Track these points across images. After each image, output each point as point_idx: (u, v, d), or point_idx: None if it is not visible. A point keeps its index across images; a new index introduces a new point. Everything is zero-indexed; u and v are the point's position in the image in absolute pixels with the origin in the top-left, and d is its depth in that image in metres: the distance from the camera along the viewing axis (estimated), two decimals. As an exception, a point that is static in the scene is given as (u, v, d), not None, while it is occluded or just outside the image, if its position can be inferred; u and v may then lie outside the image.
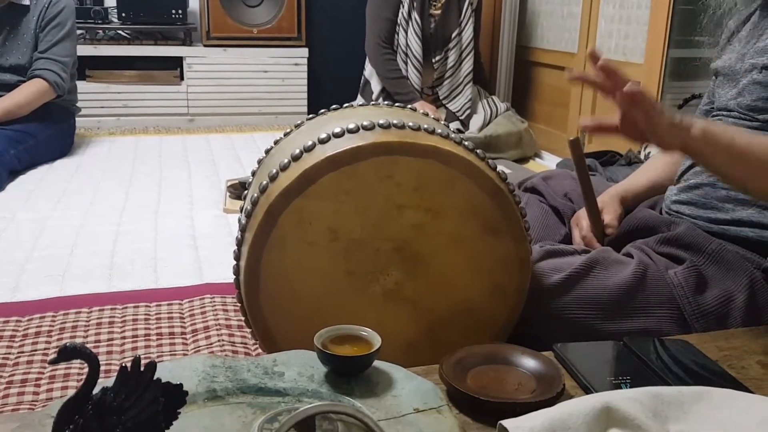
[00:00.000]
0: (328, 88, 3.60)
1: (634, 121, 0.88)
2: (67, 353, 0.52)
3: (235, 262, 0.96)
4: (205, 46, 3.40)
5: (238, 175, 2.39)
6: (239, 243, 0.93)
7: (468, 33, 2.86)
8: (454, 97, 2.90)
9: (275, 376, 0.72)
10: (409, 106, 1.09)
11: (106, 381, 0.57)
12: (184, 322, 1.33)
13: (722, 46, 1.18)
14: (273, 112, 3.53)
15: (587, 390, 0.75)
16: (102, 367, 0.55)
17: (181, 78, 3.39)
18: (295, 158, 0.88)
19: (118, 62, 3.31)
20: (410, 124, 0.89)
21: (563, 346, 0.84)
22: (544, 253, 1.03)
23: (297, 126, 1.05)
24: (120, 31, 3.36)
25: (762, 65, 1.03)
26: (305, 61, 3.50)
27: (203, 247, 1.75)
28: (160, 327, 1.31)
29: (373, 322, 0.81)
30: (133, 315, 1.35)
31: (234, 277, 0.97)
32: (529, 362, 0.78)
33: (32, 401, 1.07)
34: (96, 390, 0.54)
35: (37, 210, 2.02)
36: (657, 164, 1.28)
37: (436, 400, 0.69)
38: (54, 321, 1.32)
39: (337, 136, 0.88)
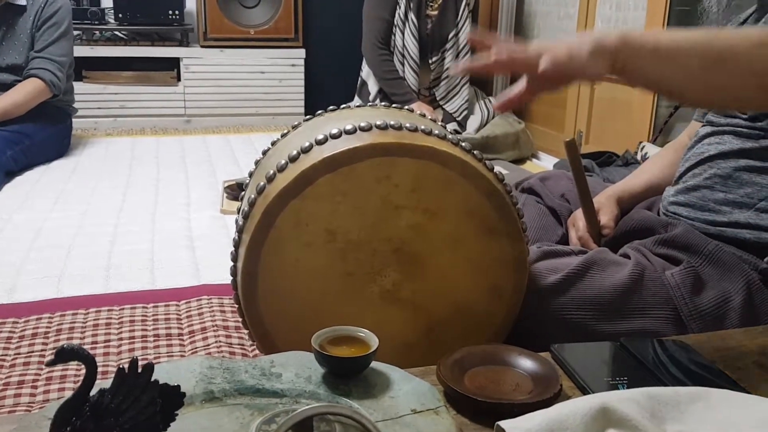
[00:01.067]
0: (325, 89, 3.61)
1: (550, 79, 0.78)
2: (64, 355, 0.52)
3: (232, 264, 0.96)
4: (202, 47, 3.40)
5: (235, 176, 2.39)
6: (236, 244, 0.92)
7: (465, 34, 2.86)
8: (451, 98, 2.90)
9: (273, 378, 0.72)
10: (407, 107, 1.09)
11: (103, 382, 0.57)
12: (181, 324, 1.33)
13: None
14: (270, 113, 3.53)
15: (584, 391, 0.75)
16: (99, 369, 0.55)
17: (178, 79, 3.39)
18: (293, 159, 0.88)
19: (115, 63, 3.31)
20: (407, 125, 0.89)
21: (560, 346, 0.84)
22: (541, 253, 1.03)
23: (294, 127, 1.05)
24: (117, 32, 3.35)
25: None
26: (302, 62, 3.50)
27: (200, 248, 1.75)
28: (158, 328, 1.31)
29: (371, 323, 0.81)
30: (130, 316, 1.35)
31: (231, 278, 0.97)
32: (526, 363, 0.78)
33: (29, 403, 1.06)
34: (93, 392, 0.54)
35: (34, 211, 2.01)
36: (654, 165, 1.28)
37: (433, 401, 0.69)
38: (51, 322, 1.32)
39: (335, 137, 0.88)
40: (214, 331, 1.28)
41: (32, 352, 1.21)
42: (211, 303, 1.40)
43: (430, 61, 2.86)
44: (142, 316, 1.36)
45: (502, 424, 0.61)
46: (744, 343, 0.89)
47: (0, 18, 2.52)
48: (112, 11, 3.30)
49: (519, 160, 2.90)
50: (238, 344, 1.24)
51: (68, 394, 0.63)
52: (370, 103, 1.08)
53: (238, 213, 0.97)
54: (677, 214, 1.11)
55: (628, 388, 0.72)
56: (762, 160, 1.04)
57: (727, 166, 1.07)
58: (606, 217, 1.17)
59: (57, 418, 0.53)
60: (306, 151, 0.87)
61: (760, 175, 1.04)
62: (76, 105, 2.83)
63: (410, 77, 2.83)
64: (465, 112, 2.88)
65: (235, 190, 2.12)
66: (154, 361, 0.58)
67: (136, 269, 1.61)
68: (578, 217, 1.18)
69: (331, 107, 1.06)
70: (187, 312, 1.38)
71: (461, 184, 0.88)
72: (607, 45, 0.75)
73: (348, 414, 0.59)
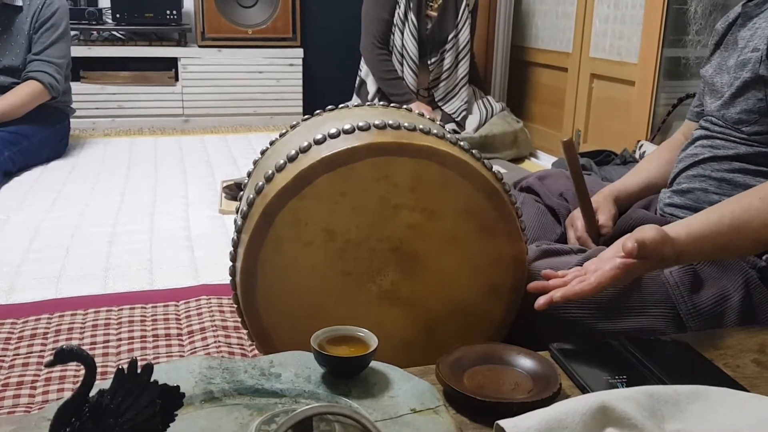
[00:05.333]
0: (324, 89, 3.60)
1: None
2: (63, 356, 0.52)
3: (231, 263, 0.96)
4: (200, 46, 3.40)
5: (234, 175, 2.39)
6: (235, 244, 0.92)
7: (465, 35, 2.86)
8: (450, 99, 2.90)
9: (272, 378, 0.72)
10: (405, 106, 1.09)
11: (102, 383, 0.57)
12: (180, 324, 1.33)
13: (711, 50, 1.19)
14: (268, 113, 3.53)
15: (583, 389, 0.76)
16: (98, 369, 0.55)
17: (176, 79, 3.38)
18: (291, 159, 0.88)
19: (113, 63, 3.31)
20: (406, 124, 0.89)
21: (559, 345, 0.84)
22: (540, 252, 1.03)
23: (292, 127, 1.05)
24: (114, 32, 3.35)
25: (743, 79, 1.04)
26: (300, 61, 3.50)
27: (199, 248, 1.75)
28: (156, 328, 1.31)
29: (370, 322, 0.81)
30: (129, 317, 1.35)
31: (230, 278, 0.97)
32: (525, 362, 0.79)
33: (28, 404, 1.06)
34: (92, 392, 0.54)
35: (32, 211, 2.01)
36: (650, 164, 1.28)
37: (432, 400, 0.69)
38: (50, 323, 1.32)
39: (333, 136, 0.88)
40: (213, 331, 1.28)
41: (31, 352, 1.21)
42: (210, 303, 1.40)
43: (429, 62, 2.86)
44: (141, 316, 1.35)
45: (502, 423, 0.61)
46: (742, 341, 0.89)
47: (-3, 18, 2.52)
48: (110, 11, 3.30)
49: (517, 159, 2.90)
50: (237, 344, 1.24)
51: (67, 394, 0.63)
52: (369, 103, 1.08)
53: (237, 213, 0.96)
54: (674, 216, 1.11)
55: (627, 386, 0.72)
56: (755, 163, 1.04)
57: (720, 168, 1.07)
58: (604, 216, 1.17)
59: (56, 419, 0.53)
60: (304, 150, 0.87)
61: (755, 178, 1.04)
62: (73, 105, 2.83)
63: (409, 77, 2.83)
64: (464, 113, 2.88)
65: (233, 190, 2.12)
66: (153, 362, 0.58)
67: (134, 269, 1.60)
68: (576, 217, 1.18)
69: (329, 107, 1.06)
70: (186, 312, 1.38)
71: (460, 183, 0.88)
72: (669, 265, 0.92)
73: (347, 414, 0.59)
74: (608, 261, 0.86)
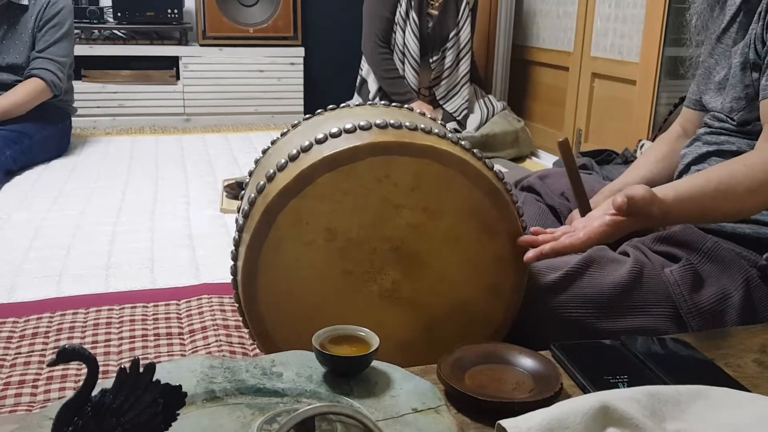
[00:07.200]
0: (325, 88, 3.60)
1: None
2: (65, 355, 0.52)
3: (232, 263, 0.96)
4: (201, 45, 3.40)
5: (235, 175, 2.39)
6: (236, 243, 0.93)
7: (465, 33, 2.86)
8: (451, 98, 2.89)
9: (274, 377, 0.72)
10: (406, 106, 1.09)
11: (103, 382, 0.57)
12: (181, 323, 1.33)
13: (711, 45, 1.18)
14: (269, 112, 3.53)
15: (585, 389, 0.76)
16: (99, 368, 0.55)
17: (177, 78, 3.38)
18: (293, 158, 0.88)
19: (114, 62, 3.31)
20: (407, 123, 0.89)
21: (561, 345, 0.84)
22: (540, 252, 1.03)
23: (294, 126, 1.05)
24: (116, 31, 3.35)
25: (734, 66, 1.04)
26: (301, 60, 3.50)
27: (200, 248, 1.75)
28: (158, 327, 1.31)
29: (371, 321, 0.81)
30: (131, 315, 1.35)
31: (231, 277, 0.97)
32: (526, 362, 0.79)
33: (30, 403, 1.06)
34: (95, 391, 0.54)
35: (33, 210, 2.01)
36: (648, 160, 1.28)
37: (434, 399, 0.69)
38: (51, 322, 1.32)
39: (334, 136, 0.88)
40: (214, 330, 1.28)
41: (33, 351, 1.21)
42: (211, 302, 1.40)
43: (430, 60, 2.86)
44: (142, 315, 1.36)
45: (503, 423, 0.61)
46: (743, 340, 0.89)
47: (1, 17, 2.52)
48: (111, 10, 3.30)
49: (518, 159, 2.90)
50: (239, 343, 1.24)
51: (69, 393, 0.63)
52: (370, 102, 1.08)
53: (238, 212, 0.97)
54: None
55: (628, 386, 0.73)
56: None
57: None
58: (604, 215, 1.17)
59: (59, 418, 0.53)
60: (306, 150, 0.88)
61: None
62: (75, 104, 2.83)
63: (410, 76, 2.83)
64: (465, 112, 2.88)
65: (234, 189, 2.12)
66: (154, 360, 0.58)
67: (136, 268, 1.61)
68: (576, 217, 1.18)
69: (330, 106, 1.06)
70: (187, 311, 1.38)
71: (461, 182, 0.88)
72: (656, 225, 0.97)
73: (349, 413, 0.59)
74: (597, 218, 0.90)
